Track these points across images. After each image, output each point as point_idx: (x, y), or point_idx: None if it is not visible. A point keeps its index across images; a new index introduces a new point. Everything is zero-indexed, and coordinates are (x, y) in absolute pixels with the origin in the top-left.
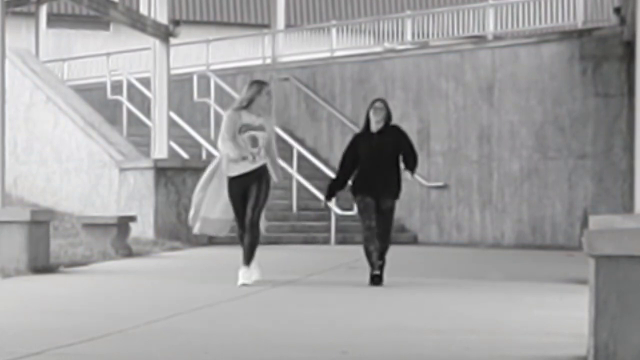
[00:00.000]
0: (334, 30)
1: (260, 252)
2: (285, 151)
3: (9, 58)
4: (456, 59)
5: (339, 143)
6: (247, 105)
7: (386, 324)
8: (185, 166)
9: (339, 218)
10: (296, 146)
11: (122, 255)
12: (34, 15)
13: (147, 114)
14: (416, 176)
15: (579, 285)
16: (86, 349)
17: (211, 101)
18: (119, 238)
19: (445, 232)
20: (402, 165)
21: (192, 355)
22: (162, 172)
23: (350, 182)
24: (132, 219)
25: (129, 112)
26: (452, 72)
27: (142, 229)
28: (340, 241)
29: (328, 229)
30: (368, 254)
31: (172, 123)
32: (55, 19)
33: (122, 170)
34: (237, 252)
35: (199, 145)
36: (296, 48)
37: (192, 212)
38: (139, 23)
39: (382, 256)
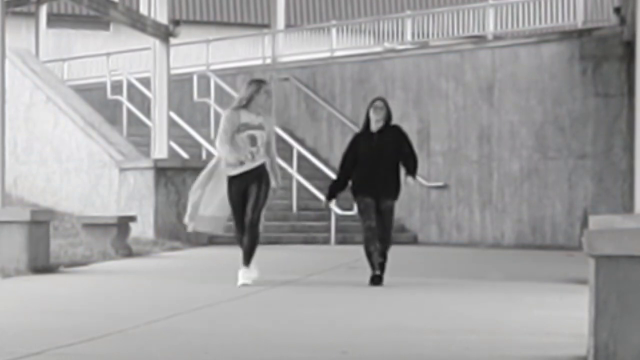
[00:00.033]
0: (334, 30)
1: (260, 252)
2: (285, 151)
3: (9, 58)
4: (456, 59)
5: (339, 143)
6: (246, 104)
7: (386, 324)
8: (185, 166)
9: (339, 218)
10: (296, 146)
11: (122, 255)
12: (34, 15)
13: (147, 114)
14: (418, 178)
15: (579, 285)
16: (86, 349)
17: (211, 101)
18: (119, 238)
19: (445, 232)
20: (402, 170)
21: (192, 355)
22: (162, 172)
23: (350, 182)
24: (132, 219)
25: (129, 112)
26: (452, 72)
27: (142, 229)
28: (340, 241)
29: (328, 229)
30: (368, 254)
31: (172, 123)
32: (55, 19)
33: (122, 170)
34: (237, 252)
35: (199, 145)
36: (296, 48)
37: (189, 210)
38: (139, 23)
39: (383, 254)
